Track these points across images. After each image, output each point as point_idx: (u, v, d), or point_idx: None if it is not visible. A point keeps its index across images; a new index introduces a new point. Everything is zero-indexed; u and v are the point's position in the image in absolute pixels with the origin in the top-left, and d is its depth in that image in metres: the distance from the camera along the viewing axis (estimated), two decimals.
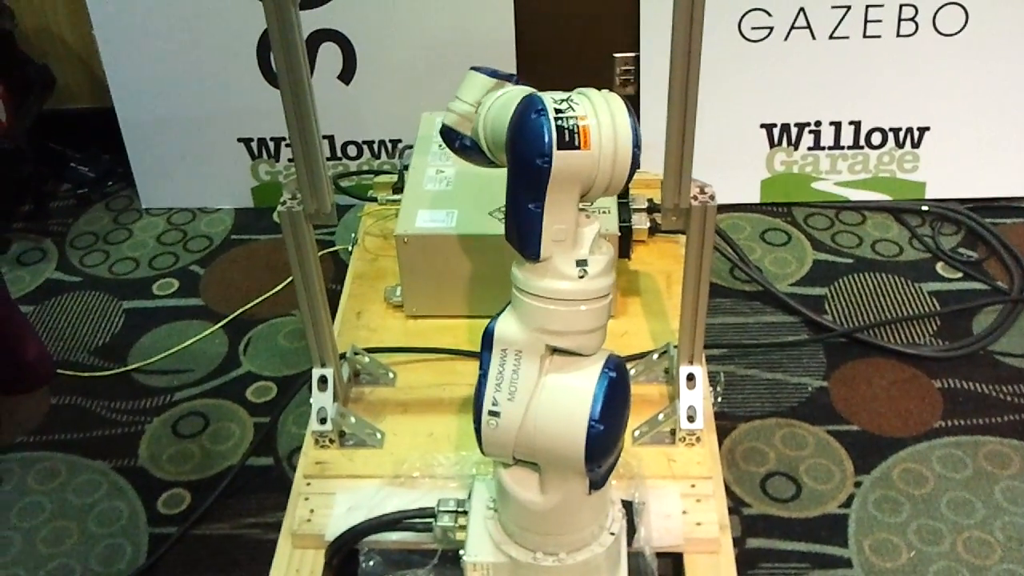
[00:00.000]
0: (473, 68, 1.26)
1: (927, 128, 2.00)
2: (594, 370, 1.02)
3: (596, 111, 0.97)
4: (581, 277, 0.99)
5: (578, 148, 0.96)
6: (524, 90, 1.17)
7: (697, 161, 1.18)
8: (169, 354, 1.80)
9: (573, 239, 1.00)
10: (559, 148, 0.95)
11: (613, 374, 1.02)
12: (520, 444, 1.03)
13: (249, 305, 1.89)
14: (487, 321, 1.05)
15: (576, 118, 0.96)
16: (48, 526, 1.51)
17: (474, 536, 1.14)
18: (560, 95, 0.99)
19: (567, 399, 1.01)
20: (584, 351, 1.02)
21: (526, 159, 0.96)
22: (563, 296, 0.99)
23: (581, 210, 1.01)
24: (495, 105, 1.19)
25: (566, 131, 0.95)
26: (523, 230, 0.99)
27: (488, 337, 1.04)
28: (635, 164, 0.99)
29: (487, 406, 1.03)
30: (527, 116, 0.97)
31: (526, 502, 1.06)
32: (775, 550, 1.43)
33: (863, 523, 1.46)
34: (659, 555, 1.25)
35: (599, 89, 1.02)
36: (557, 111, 0.96)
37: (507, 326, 1.02)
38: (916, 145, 2.01)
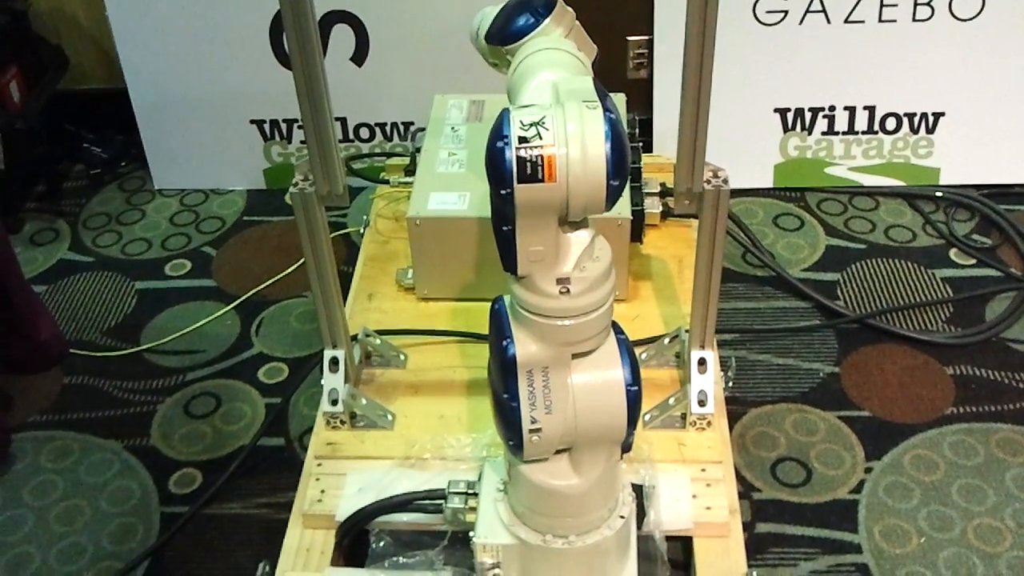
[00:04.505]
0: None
1: (942, 113, 1.98)
2: (611, 343, 1.02)
3: (567, 138, 0.90)
4: (563, 294, 0.96)
5: (542, 181, 0.90)
6: (552, 56, 1.15)
7: (710, 145, 1.17)
8: (181, 334, 1.80)
9: (555, 256, 0.96)
10: (520, 182, 0.90)
11: (622, 335, 1.03)
12: (562, 441, 1.03)
13: (261, 286, 1.89)
14: None
15: (542, 148, 0.89)
16: (60, 505, 1.52)
17: (484, 518, 1.14)
18: (533, 116, 0.92)
19: (601, 381, 1.01)
20: (603, 342, 1.02)
21: (492, 185, 0.93)
22: (588, 309, 0.97)
23: (571, 223, 0.97)
24: (528, 61, 1.15)
25: (528, 163, 0.89)
26: (500, 247, 0.97)
27: (511, 365, 1.00)
28: (612, 194, 0.93)
29: (527, 426, 1.00)
30: (492, 144, 0.92)
31: (565, 488, 1.06)
32: (785, 535, 1.43)
33: (873, 509, 1.45)
34: (668, 539, 1.25)
35: (593, 93, 0.96)
36: (522, 139, 0.90)
37: (529, 349, 0.99)
38: (931, 131, 2.00)
